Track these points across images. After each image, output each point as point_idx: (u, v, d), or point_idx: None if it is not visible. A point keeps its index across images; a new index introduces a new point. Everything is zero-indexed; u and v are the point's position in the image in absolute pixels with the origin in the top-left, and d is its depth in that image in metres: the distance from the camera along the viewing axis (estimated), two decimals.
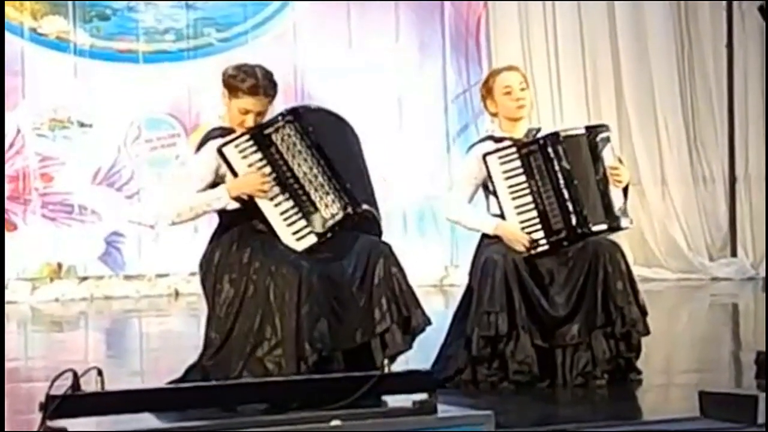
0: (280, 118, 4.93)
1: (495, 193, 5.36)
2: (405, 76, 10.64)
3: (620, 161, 5.49)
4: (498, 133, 5.46)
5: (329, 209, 4.92)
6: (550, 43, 10.65)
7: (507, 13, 10.66)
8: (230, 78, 4.96)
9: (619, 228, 5.40)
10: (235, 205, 4.92)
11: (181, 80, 10.22)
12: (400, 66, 10.63)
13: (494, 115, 5.50)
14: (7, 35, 9.86)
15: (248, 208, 4.92)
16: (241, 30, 10.34)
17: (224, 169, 4.91)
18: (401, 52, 10.65)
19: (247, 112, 4.95)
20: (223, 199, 4.89)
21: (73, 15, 10.06)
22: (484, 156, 5.33)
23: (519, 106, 5.39)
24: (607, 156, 5.41)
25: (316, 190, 4.92)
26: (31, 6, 10.00)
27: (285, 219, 4.89)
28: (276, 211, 4.89)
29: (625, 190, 5.46)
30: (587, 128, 5.46)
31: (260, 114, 4.96)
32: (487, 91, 5.44)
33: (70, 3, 10.05)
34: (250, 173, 4.85)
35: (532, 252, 5.29)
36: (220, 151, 4.87)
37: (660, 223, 10.59)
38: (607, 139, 5.44)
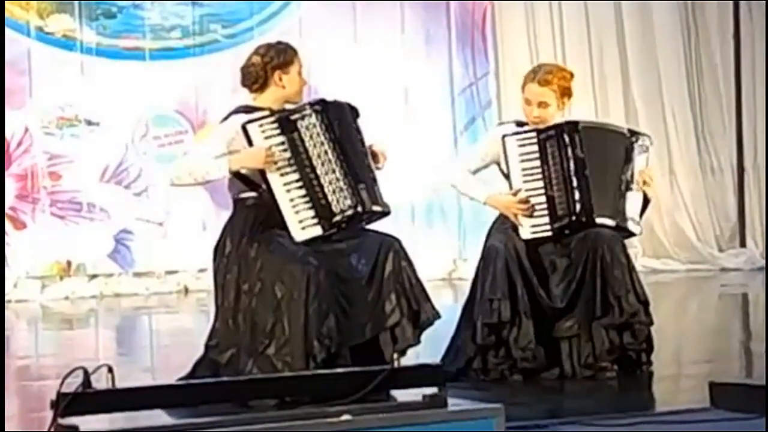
0: (308, 106, 4.98)
1: (509, 175, 5.37)
2: (411, 69, 10.63)
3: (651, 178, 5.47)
4: (524, 118, 5.47)
5: (339, 205, 4.93)
6: (556, 34, 10.63)
7: (513, 5, 10.65)
8: (279, 55, 5.03)
9: (624, 228, 5.37)
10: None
11: (187, 77, 10.22)
12: (406, 59, 10.62)
13: None
14: (14, 34, 9.87)
15: (261, 193, 4.93)
16: (247, 26, 10.34)
17: (236, 143, 4.93)
18: (407, 45, 10.64)
19: (300, 73, 5.08)
20: (223, 168, 4.91)
21: (79, 13, 10.07)
22: (504, 136, 5.34)
23: (533, 121, 5.39)
24: (640, 163, 5.41)
25: (330, 183, 4.93)
26: (37, 5, 10.01)
27: (294, 206, 4.91)
28: (287, 197, 4.91)
29: (644, 207, 5.44)
30: (630, 131, 5.48)
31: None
32: (522, 86, 5.44)
33: (76, 1, 10.06)
34: (256, 148, 4.87)
35: (533, 235, 5.28)
36: (244, 128, 4.89)
37: (668, 214, 10.58)
38: (646, 149, 5.44)
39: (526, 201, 5.30)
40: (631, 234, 5.41)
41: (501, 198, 5.37)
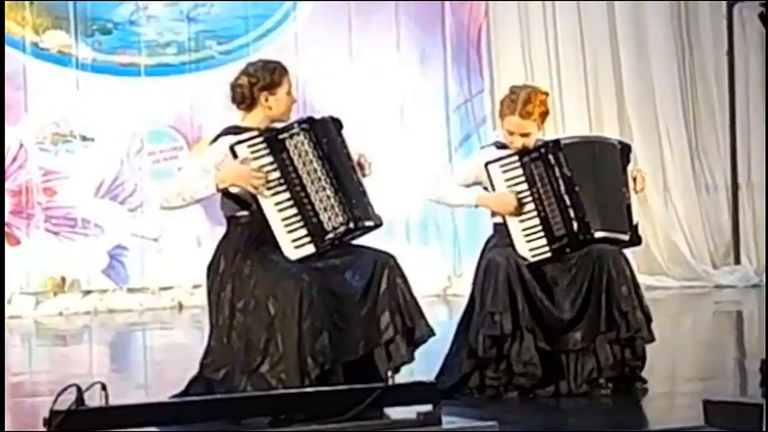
0: (295, 125, 4.98)
1: None
2: (406, 86, 10.64)
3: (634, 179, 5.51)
4: (503, 140, 5.48)
5: (331, 222, 4.93)
6: (551, 52, 10.65)
7: (508, 23, 10.66)
8: (266, 76, 4.99)
9: (624, 240, 5.36)
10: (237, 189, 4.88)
11: (183, 93, 10.22)
12: (401, 76, 10.63)
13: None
14: (10, 50, 9.87)
15: (253, 212, 4.93)
16: (242, 42, 10.35)
17: (226, 166, 4.92)
18: (403, 62, 10.65)
19: (289, 93, 5.05)
20: (210, 186, 4.90)
21: (75, 29, 10.07)
22: (487, 164, 5.34)
23: (517, 148, 5.40)
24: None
25: (321, 201, 4.93)
26: (32, 21, 10.01)
27: (286, 226, 4.90)
28: (278, 217, 4.91)
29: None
30: (620, 142, 5.50)
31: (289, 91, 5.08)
32: (500, 113, 5.46)
33: (71, 17, 10.07)
34: (243, 167, 4.87)
35: (533, 258, 5.29)
36: (232, 149, 4.89)
37: (663, 231, 10.58)
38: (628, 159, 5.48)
39: (519, 200, 5.30)
40: (633, 243, 5.42)
41: (492, 197, 5.37)
